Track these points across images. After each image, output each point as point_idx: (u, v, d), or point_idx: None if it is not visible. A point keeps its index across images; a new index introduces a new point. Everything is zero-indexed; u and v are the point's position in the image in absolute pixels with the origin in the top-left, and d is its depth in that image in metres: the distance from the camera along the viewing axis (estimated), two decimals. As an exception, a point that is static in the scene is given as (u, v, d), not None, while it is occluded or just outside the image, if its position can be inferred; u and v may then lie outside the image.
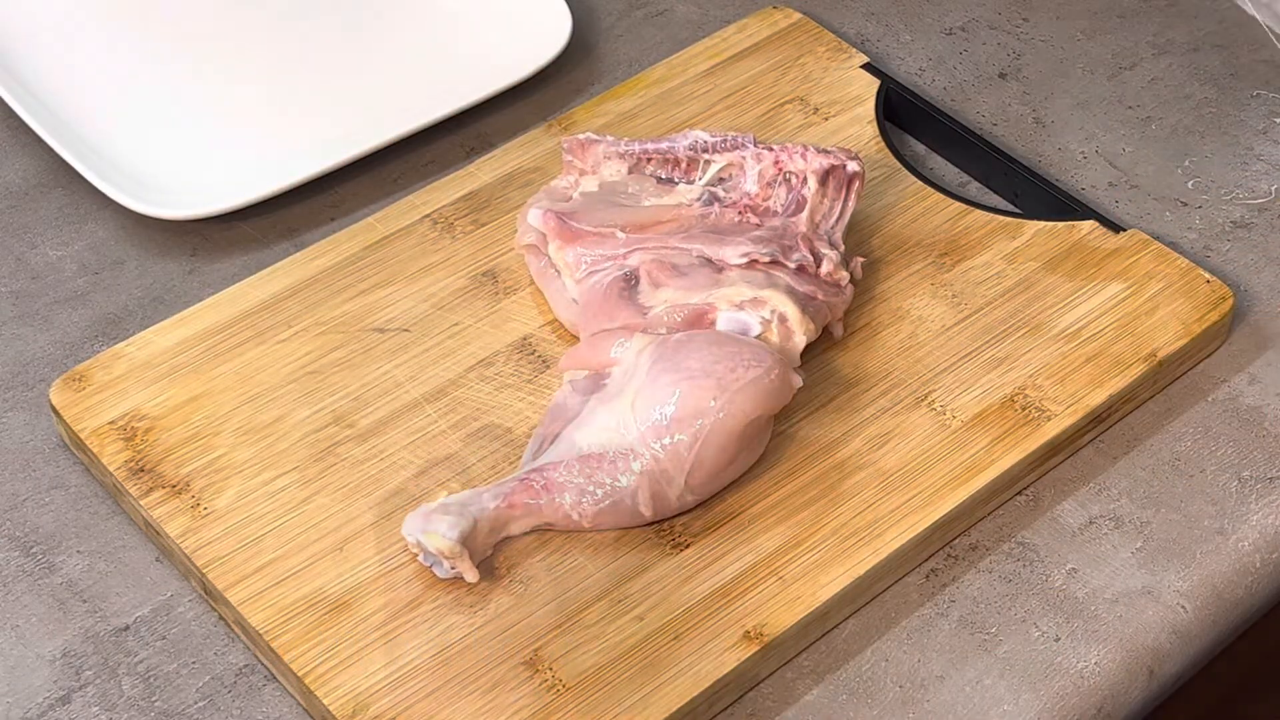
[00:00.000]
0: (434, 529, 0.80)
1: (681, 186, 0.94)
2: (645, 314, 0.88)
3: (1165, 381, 0.93)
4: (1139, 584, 0.86)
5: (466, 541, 0.81)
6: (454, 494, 0.83)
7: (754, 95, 1.05)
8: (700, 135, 0.95)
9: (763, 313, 0.88)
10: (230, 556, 0.83)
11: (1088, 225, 0.98)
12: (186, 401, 0.89)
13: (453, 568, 0.81)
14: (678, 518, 0.85)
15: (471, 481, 0.86)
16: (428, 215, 0.98)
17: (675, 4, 1.15)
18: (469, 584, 0.82)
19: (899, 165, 1.01)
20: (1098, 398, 0.90)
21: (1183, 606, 0.85)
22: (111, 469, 0.86)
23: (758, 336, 0.88)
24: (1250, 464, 0.91)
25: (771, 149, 0.93)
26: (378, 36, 1.11)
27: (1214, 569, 0.87)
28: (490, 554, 0.83)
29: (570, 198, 0.94)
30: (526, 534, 0.84)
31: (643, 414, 0.83)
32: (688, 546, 0.84)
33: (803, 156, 0.93)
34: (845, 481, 0.86)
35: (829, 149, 0.94)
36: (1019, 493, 0.89)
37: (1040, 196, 1.01)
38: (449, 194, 0.99)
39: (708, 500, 0.85)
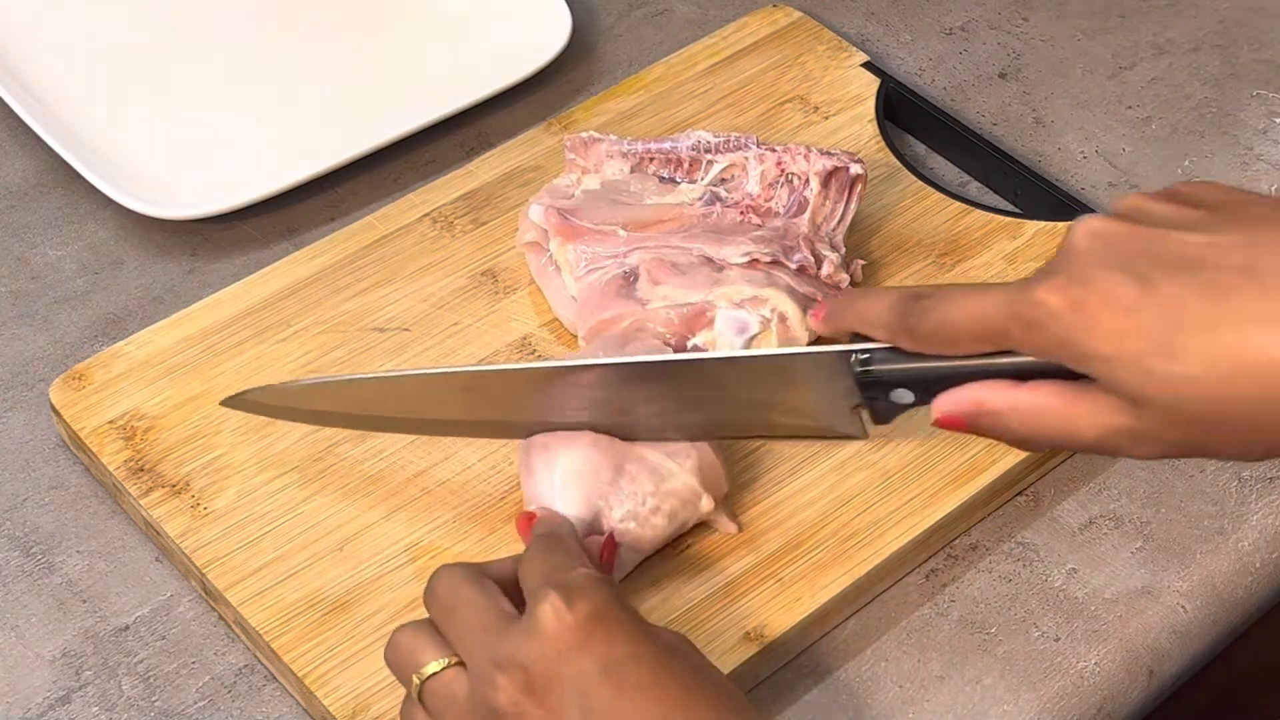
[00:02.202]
0: None
1: (683, 186, 0.94)
2: (644, 306, 0.88)
3: (1165, 382, 0.93)
4: (1139, 584, 0.86)
5: None
6: None
7: (754, 94, 1.05)
8: (703, 135, 0.95)
9: (763, 311, 0.88)
10: (230, 556, 0.83)
11: (1088, 225, 0.98)
12: (186, 401, 0.89)
13: None
14: (678, 518, 0.85)
15: (470, 482, 0.86)
16: (427, 214, 0.98)
17: (675, 4, 1.15)
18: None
19: (899, 165, 1.01)
20: (1098, 398, 0.90)
21: (1183, 606, 0.85)
22: (111, 468, 0.86)
23: (757, 335, 0.88)
24: (1250, 464, 0.90)
25: (774, 150, 0.93)
26: (378, 36, 1.11)
27: (1214, 569, 0.87)
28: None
29: (572, 195, 0.94)
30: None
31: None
32: (688, 547, 0.84)
33: (805, 158, 0.93)
34: (845, 482, 0.86)
35: (832, 151, 0.94)
36: (1019, 493, 0.89)
37: (1040, 196, 1.00)
38: (448, 193, 0.99)
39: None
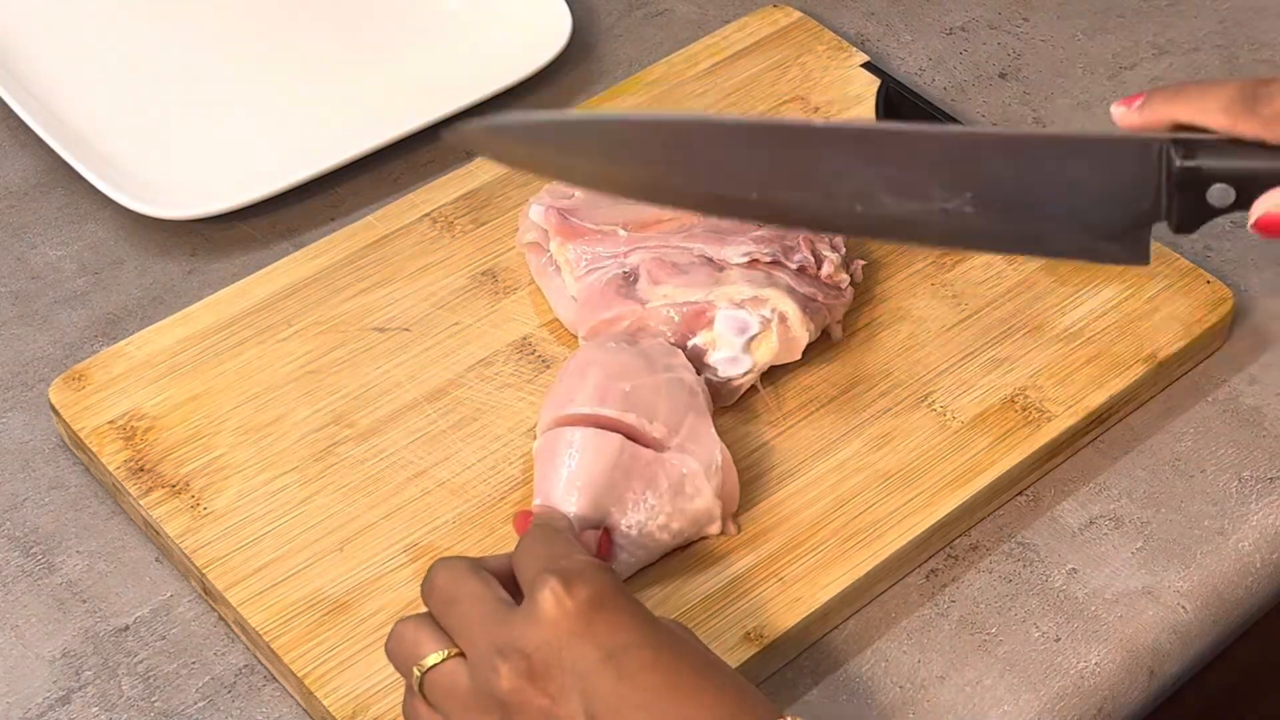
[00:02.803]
0: None
1: (682, 186, 0.94)
2: (644, 305, 0.88)
3: (1165, 382, 0.93)
4: (1139, 584, 0.86)
5: None
6: None
7: (754, 94, 1.05)
8: (701, 135, 0.95)
9: (763, 311, 0.88)
10: (230, 556, 0.83)
11: (1088, 225, 0.98)
12: (186, 401, 0.89)
13: None
14: (678, 518, 0.85)
15: (470, 482, 0.86)
16: (427, 214, 0.98)
17: (675, 4, 1.15)
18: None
19: (899, 165, 1.01)
20: (1098, 398, 0.90)
21: (1183, 606, 0.85)
22: (111, 468, 0.86)
23: (757, 335, 0.88)
24: (1250, 464, 0.90)
25: (772, 149, 0.93)
26: (378, 36, 1.11)
27: (1214, 569, 0.87)
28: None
29: (572, 195, 0.94)
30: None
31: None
32: (688, 547, 0.84)
33: (804, 157, 0.93)
34: (845, 483, 0.86)
35: (830, 150, 0.94)
36: (1019, 493, 0.89)
37: (1040, 196, 1.00)
38: (449, 193, 0.99)
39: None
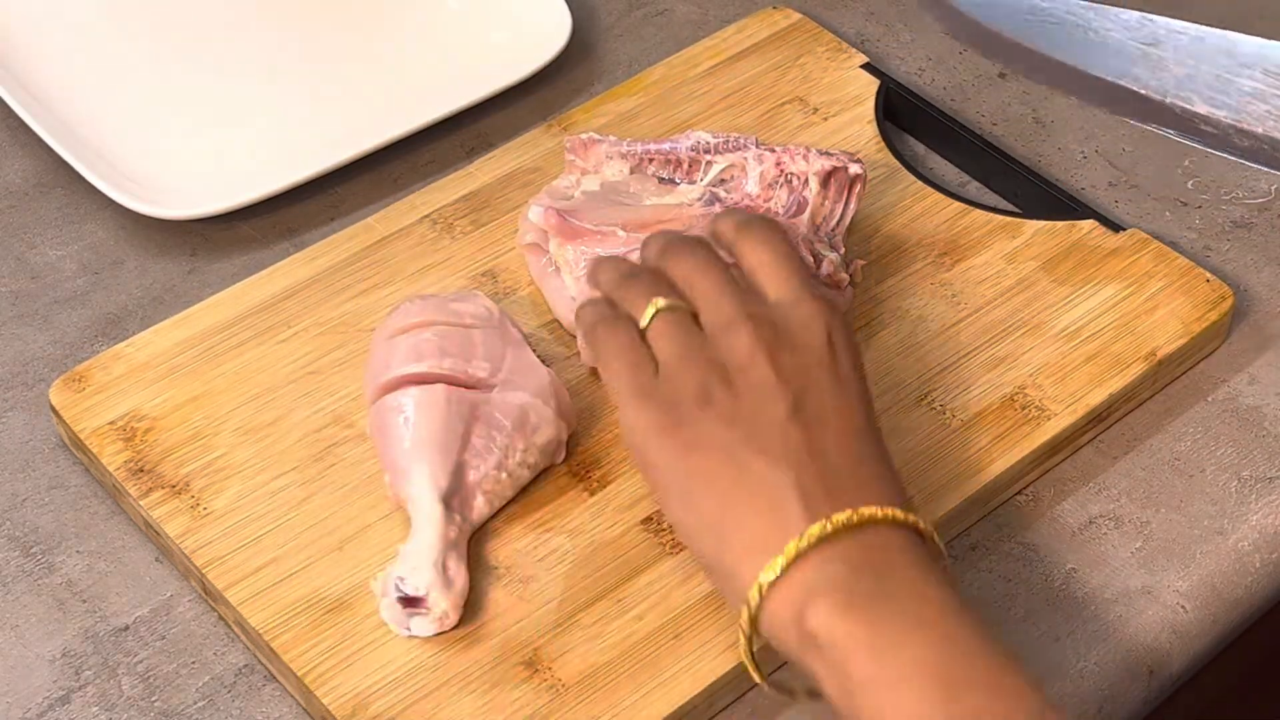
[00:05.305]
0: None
1: (683, 186, 0.94)
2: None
3: (1165, 381, 0.93)
4: (1139, 584, 0.86)
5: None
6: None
7: (753, 95, 1.05)
8: (702, 136, 0.95)
9: (762, 312, 0.88)
10: (230, 556, 0.83)
11: (1087, 225, 0.98)
12: (186, 402, 0.89)
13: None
14: (677, 518, 0.85)
15: (471, 481, 0.86)
16: (427, 216, 0.98)
17: (675, 4, 1.15)
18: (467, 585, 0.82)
19: (899, 165, 1.01)
20: (1097, 397, 0.90)
21: (1183, 606, 0.85)
22: (111, 469, 0.87)
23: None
24: (1250, 464, 0.91)
25: (773, 150, 0.93)
26: (377, 36, 1.11)
27: (1214, 569, 0.87)
28: (487, 555, 0.83)
29: (572, 196, 0.94)
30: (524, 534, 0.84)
31: None
32: (685, 547, 0.84)
33: (804, 158, 0.93)
34: (845, 481, 0.86)
35: (831, 151, 0.94)
36: (1019, 492, 0.89)
37: (1040, 196, 1.01)
38: (448, 194, 0.99)
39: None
